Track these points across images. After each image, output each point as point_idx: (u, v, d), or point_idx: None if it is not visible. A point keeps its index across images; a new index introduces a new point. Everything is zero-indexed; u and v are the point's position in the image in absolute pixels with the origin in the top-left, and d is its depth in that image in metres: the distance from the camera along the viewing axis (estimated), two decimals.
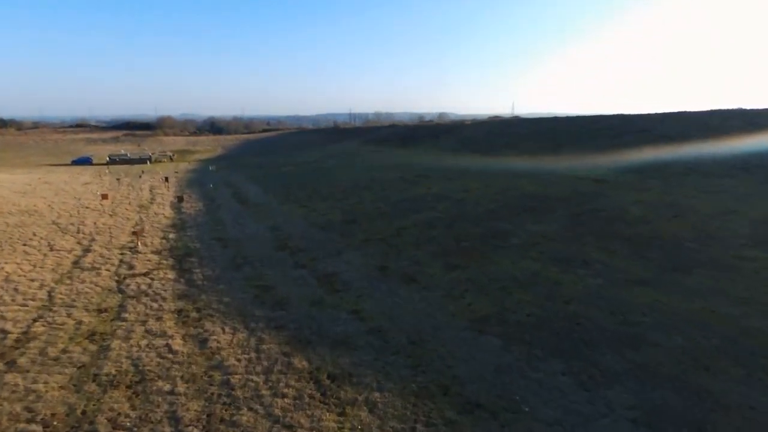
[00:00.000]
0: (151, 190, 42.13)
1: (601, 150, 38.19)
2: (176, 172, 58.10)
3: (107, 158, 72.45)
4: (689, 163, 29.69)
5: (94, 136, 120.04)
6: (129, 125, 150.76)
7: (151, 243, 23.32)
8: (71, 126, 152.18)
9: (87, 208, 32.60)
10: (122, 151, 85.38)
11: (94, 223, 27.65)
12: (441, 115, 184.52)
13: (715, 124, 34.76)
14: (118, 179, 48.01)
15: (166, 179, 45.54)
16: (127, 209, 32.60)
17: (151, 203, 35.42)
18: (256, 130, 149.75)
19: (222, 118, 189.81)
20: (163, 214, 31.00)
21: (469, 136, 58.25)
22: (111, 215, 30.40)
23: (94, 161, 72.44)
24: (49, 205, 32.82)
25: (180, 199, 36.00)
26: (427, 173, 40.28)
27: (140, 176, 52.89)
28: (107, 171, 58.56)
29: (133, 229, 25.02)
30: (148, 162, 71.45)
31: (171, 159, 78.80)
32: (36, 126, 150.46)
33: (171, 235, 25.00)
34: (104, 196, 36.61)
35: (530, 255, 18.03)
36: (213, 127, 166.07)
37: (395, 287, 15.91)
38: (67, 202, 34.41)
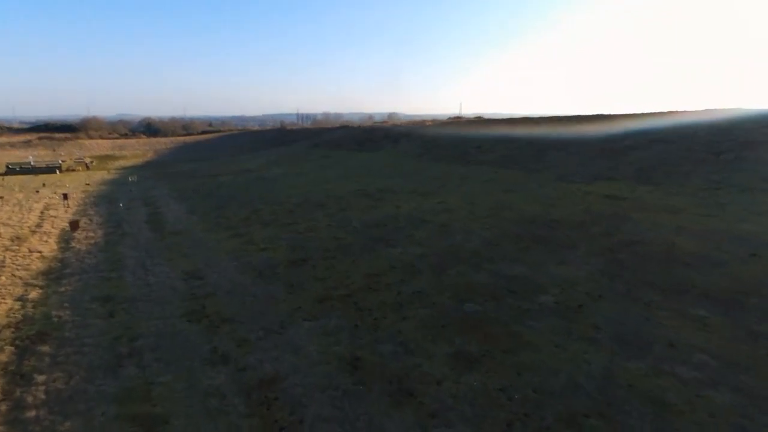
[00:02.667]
0: (42, 212, 32.99)
1: (594, 156, 33.03)
2: (87, 184, 48.34)
3: (5, 167, 60.77)
4: (712, 174, 24.73)
5: (2, 140, 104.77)
6: (48, 127, 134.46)
7: None
8: None
9: None
10: (30, 158, 73.23)
11: None
12: (391, 115, 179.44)
13: (722, 126, 30.39)
14: (1, 197, 38.17)
15: (65, 196, 36.30)
16: None
17: (34, 233, 26.67)
18: (195, 132, 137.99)
19: (160, 119, 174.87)
20: (41, 251, 22.59)
21: (432, 139, 52.14)
22: None
23: None
24: None
25: (74, 225, 27.44)
26: (392, 186, 33.64)
27: (38, 191, 43.01)
28: None
29: None
30: (57, 171, 60.50)
31: (87, 167, 67.82)
32: None
33: (33, 294, 16.97)
34: None
35: (581, 331, 11.76)
36: (149, 128, 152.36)
37: (381, 417, 9.13)
38: None
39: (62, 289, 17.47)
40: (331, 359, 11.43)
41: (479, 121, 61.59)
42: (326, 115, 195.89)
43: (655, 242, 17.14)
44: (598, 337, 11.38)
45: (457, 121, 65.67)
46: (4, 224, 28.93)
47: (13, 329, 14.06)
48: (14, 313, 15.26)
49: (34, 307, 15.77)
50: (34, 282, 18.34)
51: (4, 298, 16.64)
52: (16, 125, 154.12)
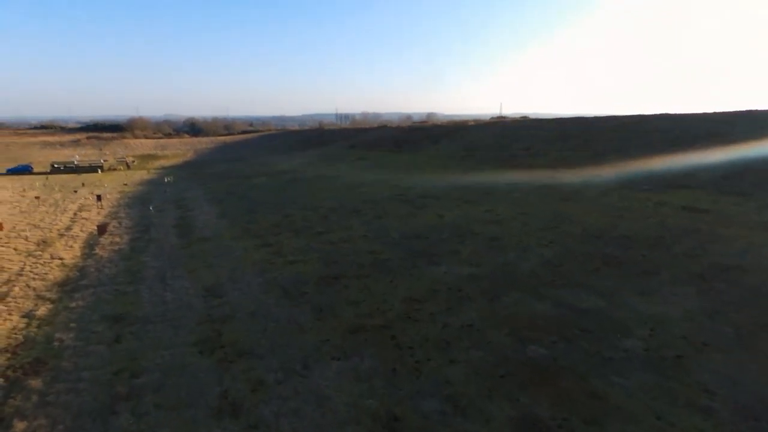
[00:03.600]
0: (75, 213, 32.44)
1: (658, 160, 29.43)
2: (125, 184, 48.23)
3: (50, 166, 62.03)
4: None
5: (53, 139, 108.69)
6: (96, 127, 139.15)
7: None
8: (34, 128, 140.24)
9: None
10: (75, 157, 75.03)
11: None
12: (430, 115, 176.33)
13: None
14: (37, 197, 38.14)
15: (99, 198, 35.79)
16: (15, 249, 22.99)
17: (62, 236, 25.83)
18: (236, 132, 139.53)
19: (204, 119, 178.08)
20: (63, 258, 21.48)
21: (476, 140, 49.24)
22: None
23: (36, 169, 62.01)
24: None
25: (102, 229, 26.45)
26: (433, 191, 31.17)
27: (76, 191, 42.98)
28: (39, 184, 48.49)
29: None
30: (99, 170, 61.22)
31: (128, 166, 68.57)
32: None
33: (42, 309, 15.57)
34: None
35: (686, 394, 9.02)
36: (192, 128, 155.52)
37: None
38: None
39: (73, 304, 16.00)
40: (363, 417, 9.16)
41: (525, 121, 57.51)
42: (365, 115, 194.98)
43: (761, 269, 13.98)
44: (714, 407, 8.61)
45: (501, 121, 61.88)
46: (35, 226, 28.34)
47: (9, 354, 12.55)
48: (16, 333, 13.81)
49: (38, 326, 14.30)
50: (47, 295, 17.01)
51: (11, 314, 15.31)
52: (71, 125, 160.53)
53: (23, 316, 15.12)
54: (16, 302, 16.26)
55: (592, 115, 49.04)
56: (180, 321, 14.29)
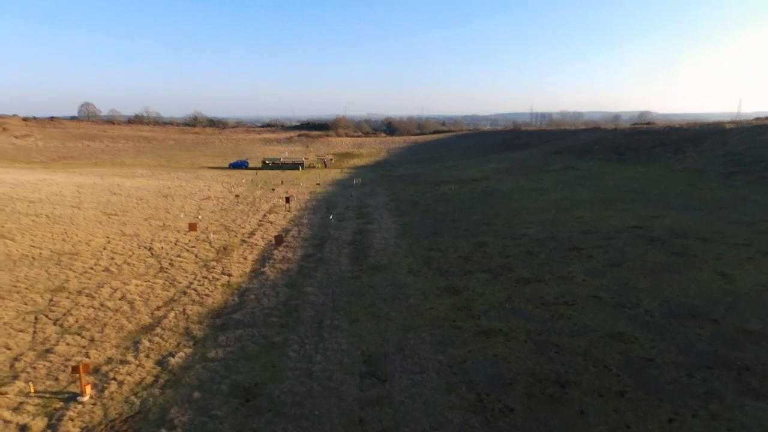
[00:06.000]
0: (264, 215, 32.01)
1: None
2: (317, 184, 48.51)
3: (261, 162, 67.72)
4: None
5: (272, 136, 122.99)
6: (308, 125, 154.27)
7: (117, 389, 11.19)
8: (261, 126, 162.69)
9: (148, 249, 23.01)
10: (284, 153, 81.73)
11: (111, 294, 17.19)
12: (643, 114, 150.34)
13: None
14: (237, 196, 39.63)
15: (288, 200, 35.23)
16: (197, 256, 22.12)
17: (243, 243, 24.65)
18: (427, 132, 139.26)
19: (400, 118, 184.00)
20: (231, 275, 19.46)
21: (743, 150, 35.62)
22: (160, 271, 20.01)
23: (252, 164, 68.46)
24: (108, 241, 24.11)
25: (279, 240, 24.51)
26: (694, 226, 21.52)
27: (273, 189, 44.32)
28: (246, 180, 52.08)
29: (75, 364, 13.38)
30: (300, 168, 64.37)
31: (325, 165, 71.14)
32: (238, 125, 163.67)
33: (179, 356, 12.81)
34: (192, 227, 27.26)
35: None
36: (389, 127, 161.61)
37: None
38: (138, 236, 25.57)
39: (212, 353, 12.84)
40: None
41: None
42: (563, 115, 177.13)
43: None
44: None
45: None
46: (225, 228, 28.14)
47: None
48: (136, 396, 10.91)
49: (162, 388, 11.23)
50: (195, 330, 14.38)
51: (148, 357, 12.80)
52: (293, 122, 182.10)
53: (157, 363, 12.46)
54: (161, 338, 13.91)
55: None
56: (320, 426, 9.59)
